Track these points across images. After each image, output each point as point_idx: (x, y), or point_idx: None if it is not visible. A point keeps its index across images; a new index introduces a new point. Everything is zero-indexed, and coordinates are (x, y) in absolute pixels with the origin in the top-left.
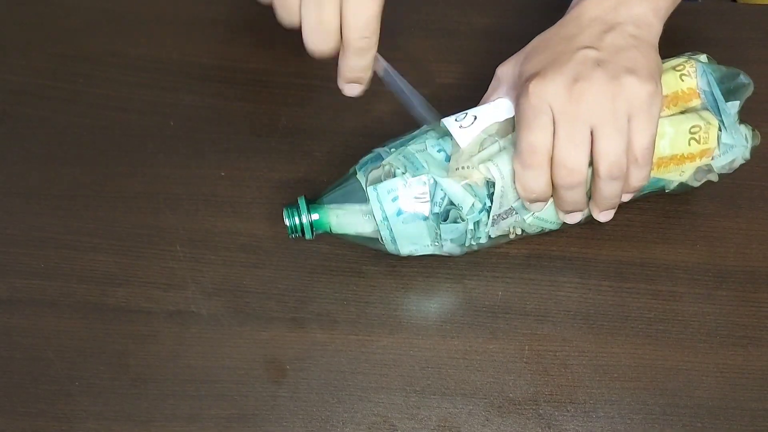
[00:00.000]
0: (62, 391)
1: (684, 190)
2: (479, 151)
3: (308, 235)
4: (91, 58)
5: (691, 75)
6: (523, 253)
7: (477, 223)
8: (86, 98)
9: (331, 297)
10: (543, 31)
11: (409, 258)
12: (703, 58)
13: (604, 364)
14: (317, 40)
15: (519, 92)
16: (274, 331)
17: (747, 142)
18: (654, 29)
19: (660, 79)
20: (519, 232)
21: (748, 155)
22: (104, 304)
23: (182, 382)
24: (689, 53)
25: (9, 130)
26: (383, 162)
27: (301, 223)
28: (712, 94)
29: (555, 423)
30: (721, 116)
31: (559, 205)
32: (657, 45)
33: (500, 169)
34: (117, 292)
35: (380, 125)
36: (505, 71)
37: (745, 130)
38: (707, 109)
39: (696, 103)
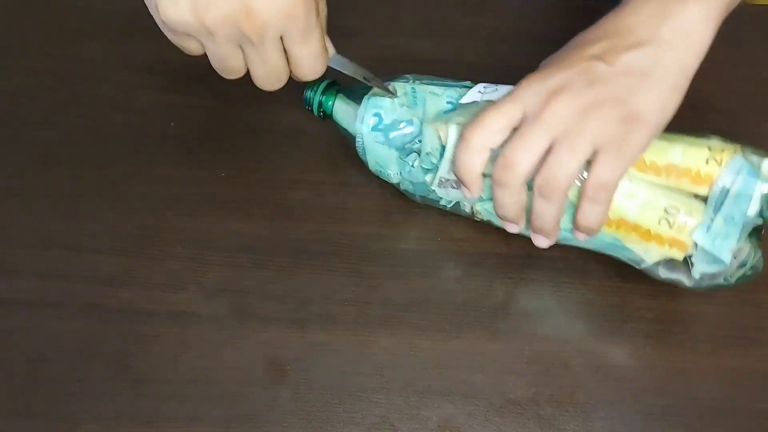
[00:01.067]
0: (63, 393)
1: (652, 275)
2: (463, 114)
3: (315, 112)
4: (91, 59)
5: (719, 163)
6: (524, 253)
7: (432, 180)
8: (86, 100)
9: (332, 297)
10: (546, 32)
11: (409, 257)
12: (766, 161)
13: (604, 364)
14: (269, 85)
15: None
16: (275, 332)
17: (741, 263)
18: (692, 49)
19: (656, 125)
20: (485, 219)
21: (732, 281)
22: (105, 305)
23: (183, 382)
24: (749, 147)
25: (10, 132)
26: (391, 83)
27: (312, 98)
28: (726, 193)
29: (555, 423)
30: (714, 216)
31: (494, 206)
32: (684, 84)
33: (456, 134)
34: (118, 293)
35: None
36: (543, 64)
37: (749, 250)
38: (703, 202)
39: (702, 190)
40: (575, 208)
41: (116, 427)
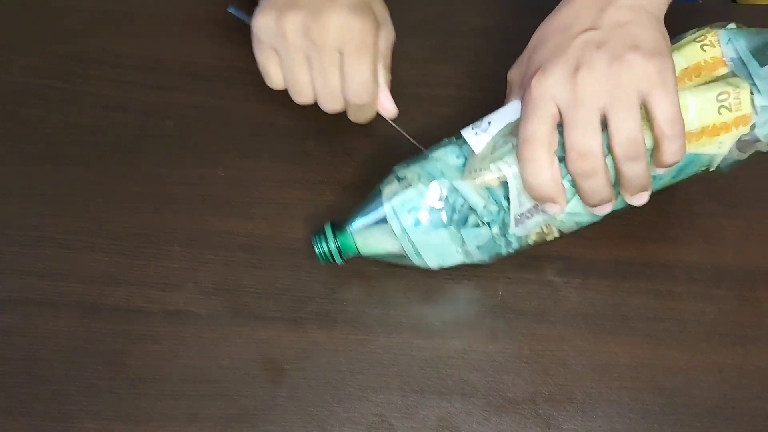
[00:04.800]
0: (60, 391)
1: (730, 166)
2: (492, 153)
3: (338, 260)
4: (89, 58)
5: (713, 44)
6: (522, 252)
7: (502, 226)
8: (84, 98)
9: (330, 297)
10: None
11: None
12: (732, 26)
13: (602, 363)
14: (327, 103)
15: (525, 90)
16: (273, 331)
17: None
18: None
19: (668, 50)
20: (556, 233)
21: None
22: (102, 304)
23: (181, 381)
24: (718, 24)
25: (6, 130)
26: (398, 175)
27: (329, 249)
28: (741, 60)
29: (554, 422)
30: (753, 80)
31: (583, 199)
32: (661, 17)
33: (512, 167)
34: (115, 291)
35: (379, 124)
36: (514, 74)
37: None
38: (736, 75)
39: (723, 71)
40: (652, 153)
41: (113, 426)
